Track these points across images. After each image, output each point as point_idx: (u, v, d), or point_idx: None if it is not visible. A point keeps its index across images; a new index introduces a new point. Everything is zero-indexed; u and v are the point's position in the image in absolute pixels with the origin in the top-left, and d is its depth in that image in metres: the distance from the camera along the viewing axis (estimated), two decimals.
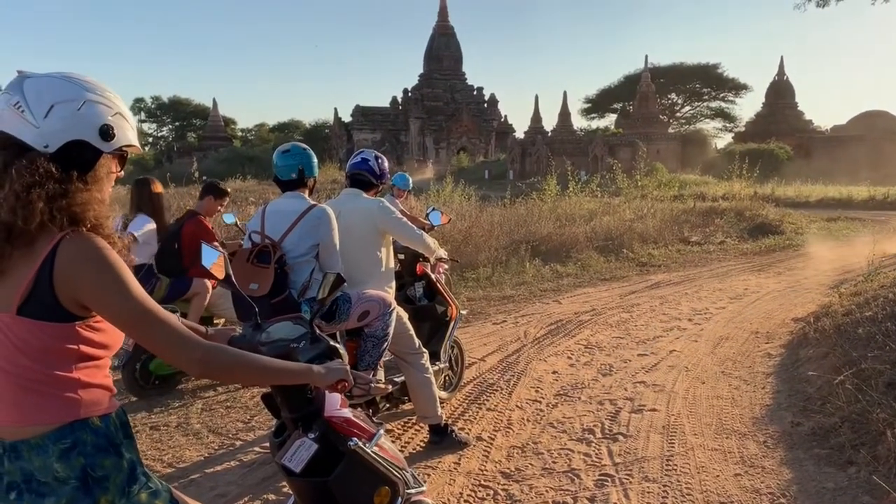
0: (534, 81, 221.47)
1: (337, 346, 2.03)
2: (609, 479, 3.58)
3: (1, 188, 1.37)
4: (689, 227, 15.26)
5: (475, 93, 61.81)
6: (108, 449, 1.44)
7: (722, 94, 66.52)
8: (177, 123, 76.48)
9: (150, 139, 73.33)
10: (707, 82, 65.49)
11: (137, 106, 71.05)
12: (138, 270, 4.92)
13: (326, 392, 1.95)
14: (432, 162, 47.84)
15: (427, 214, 5.18)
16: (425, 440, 4.04)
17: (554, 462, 3.81)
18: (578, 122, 64.14)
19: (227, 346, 1.58)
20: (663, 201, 18.20)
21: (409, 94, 60.89)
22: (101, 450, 1.43)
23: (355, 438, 1.98)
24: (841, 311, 6.15)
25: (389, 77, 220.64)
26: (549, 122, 53.74)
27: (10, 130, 1.39)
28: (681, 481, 3.55)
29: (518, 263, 10.52)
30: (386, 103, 62.31)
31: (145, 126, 73.39)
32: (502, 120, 61.79)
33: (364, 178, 3.90)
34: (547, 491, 3.46)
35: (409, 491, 2.16)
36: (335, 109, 64.00)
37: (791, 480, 3.54)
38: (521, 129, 58.60)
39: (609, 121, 68.28)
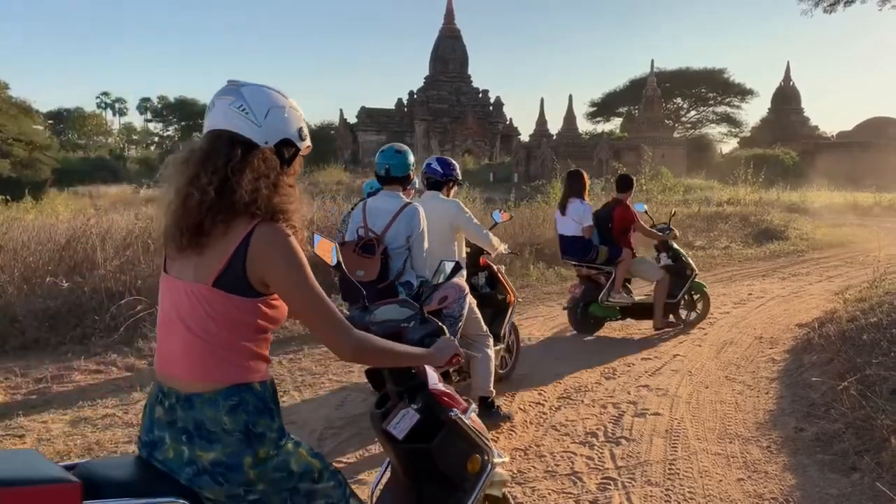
0: (539, 85, 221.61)
1: (442, 325, 2.24)
2: (612, 483, 3.58)
3: (236, 175, 1.61)
4: (693, 231, 15.23)
5: (480, 95, 61.77)
6: (264, 410, 1.67)
7: (728, 99, 66.28)
8: (183, 123, 76.60)
9: (157, 138, 73.66)
10: (713, 87, 65.30)
11: (144, 105, 71.47)
12: (575, 241, 6.55)
13: (427, 367, 2.14)
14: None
15: (492, 214, 5.70)
16: None
17: (556, 465, 3.81)
18: (584, 126, 63.77)
19: (370, 335, 1.80)
20: (668, 206, 18.14)
21: (415, 96, 60.88)
22: (259, 411, 1.66)
23: (455, 410, 2.15)
24: (845, 317, 6.14)
25: (395, 79, 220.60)
26: (555, 126, 53.47)
27: (236, 129, 1.66)
28: (683, 485, 3.54)
29: (522, 266, 10.51)
30: (391, 105, 62.30)
31: (151, 125, 73.75)
32: (507, 123, 61.73)
33: (433, 179, 4.52)
34: (549, 493, 3.46)
35: (494, 461, 2.33)
36: (340, 111, 63.97)
37: (794, 486, 3.53)
38: (526, 133, 58.43)
39: (614, 125, 68.06)
